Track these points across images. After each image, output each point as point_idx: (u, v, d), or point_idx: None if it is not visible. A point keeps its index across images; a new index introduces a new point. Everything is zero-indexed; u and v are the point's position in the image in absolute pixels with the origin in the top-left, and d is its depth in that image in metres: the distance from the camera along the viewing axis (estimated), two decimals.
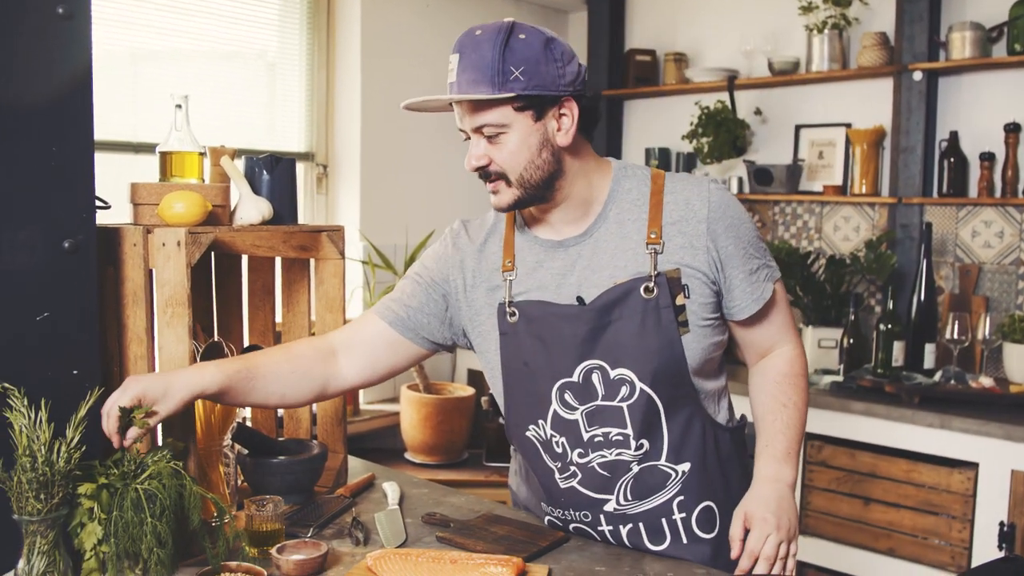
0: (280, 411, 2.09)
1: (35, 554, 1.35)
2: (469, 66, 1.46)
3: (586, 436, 1.57)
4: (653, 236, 1.54)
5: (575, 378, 1.56)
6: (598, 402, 1.56)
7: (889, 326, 3.13)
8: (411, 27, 3.93)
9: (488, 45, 1.46)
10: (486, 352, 1.65)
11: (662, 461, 1.58)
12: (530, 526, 1.71)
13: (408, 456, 3.61)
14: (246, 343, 2.03)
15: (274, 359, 1.61)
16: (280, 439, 1.96)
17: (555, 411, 1.58)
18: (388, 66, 3.84)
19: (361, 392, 3.78)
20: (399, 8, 3.87)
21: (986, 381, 2.97)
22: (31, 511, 1.34)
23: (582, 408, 1.57)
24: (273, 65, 3.67)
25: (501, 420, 3.55)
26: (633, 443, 1.55)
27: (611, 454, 1.57)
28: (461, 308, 1.66)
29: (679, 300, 1.53)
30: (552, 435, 1.60)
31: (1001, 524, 2.73)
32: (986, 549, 2.76)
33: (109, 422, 1.44)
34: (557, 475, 1.62)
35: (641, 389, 1.53)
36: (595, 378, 1.55)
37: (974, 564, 2.79)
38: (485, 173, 1.53)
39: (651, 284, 1.52)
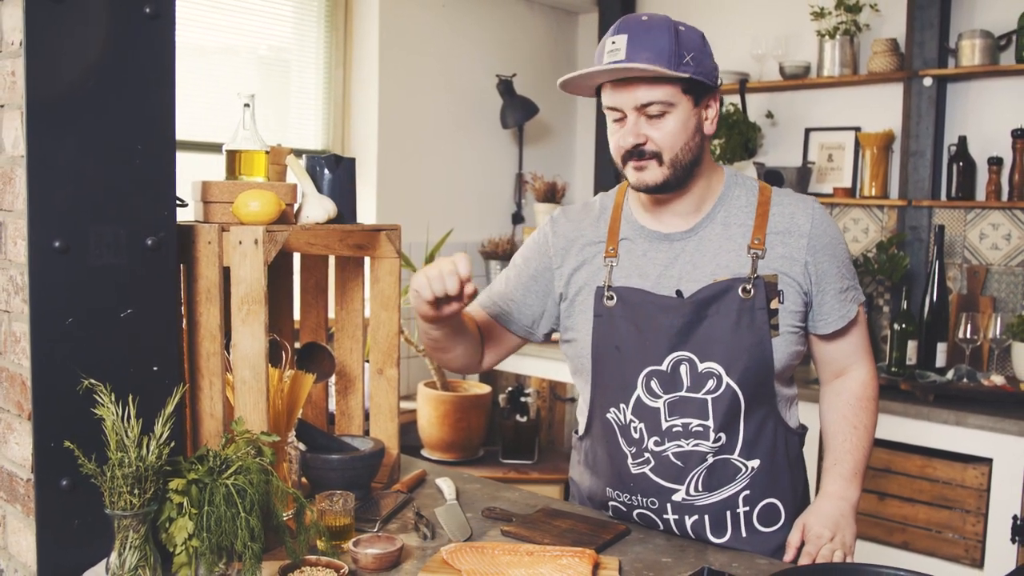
0: (332, 407, 2.11)
1: (127, 548, 1.37)
2: (642, 46, 1.52)
3: (665, 425, 1.63)
4: (757, 242, 1.61)
5: (664, 367, 1.62)
6: (682, 393, 1.61)
7: (903, 325, 3.20)
8: (428, 27, 3.95)
9: (660, 29, 1.54)
10: (577, 332, 1.71)
11: (735, 455, 1.63)
12: (590, 519, 1.75)
13: (425, 453, 3.64)
14: (298, 341, 2.05)
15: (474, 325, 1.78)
16: (335, 435, 1.98)
17: (638, 397, 1.64)
18: (405, 65, 3.87)
19: None
20: (416, 8, 3.89)
21: (997, 379, 3.05)
22: (124, 506, 1.35)
23: (665, 397, 1.62)
24: (289, 62, 3.68)
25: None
26: (712, 435, 1.61)
27: (688, 444, 1.62)
28: (556, 290, 1.76)
29: (773, 304, 1.60)
30: (631, 420, 1.66)
31: (1014, 518, 2.80)
32: (999, 542, 2.84)
33: (449, 281, 1.49)
34: (630, 460, 1.68)
35: (728, 384, 1.59)
36: (683, 369, 1.61)
37: (987, 557, 2.87)
38: (639, 152, 1.58)
39: (749, 286, 1.59)
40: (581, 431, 1.81)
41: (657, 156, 1.57)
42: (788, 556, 1.65)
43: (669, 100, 1.55)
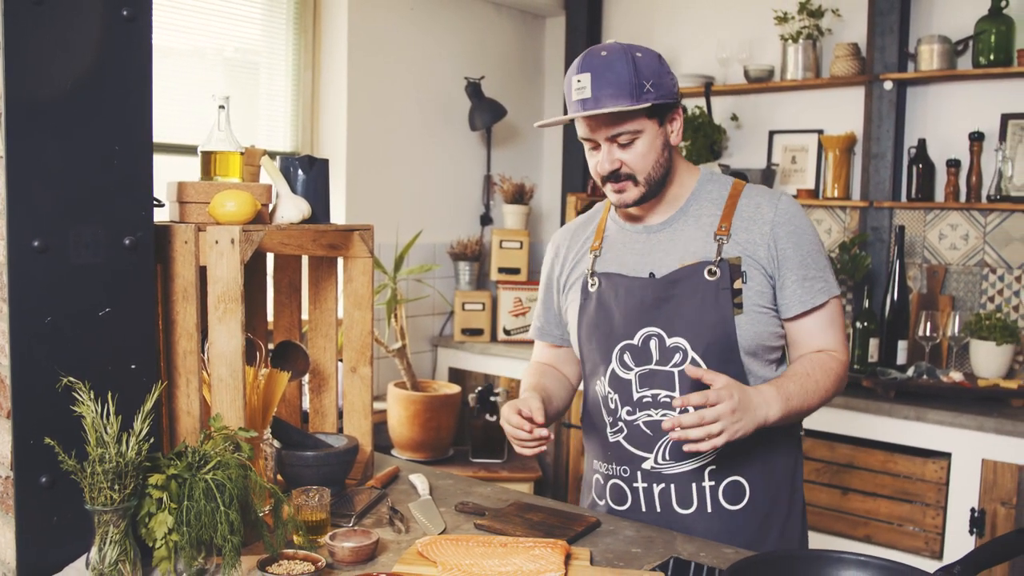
0: (305, 405, 2.13)
1: (107, 543, 1.38)
2: (606, 83, 1.64)
3: (636, 396, 1.74)
4: (723, 228, 1.73)
5: (635, 341, 1.74)
6: (652, 366, 1.73)
7: (865, 324, 3.28)
8: (396, 29, 3.98)
9: (620, 63, 1.64)
10: (570, 318, 1.88)
11: None
12: (562, 513, 1.79)
13: (395, 453, 3.66)
14: (271, 340, 2.07)
15: (553, 385, 1.91)
16: (310, 433, 2.00)
17: (613, 370, 1.77)
18: (374, 67, 3.89)
19: None
20: (385, 11, 3.92)
21: (956, 376, 3.13)
22: (104, 501, 1.37)
23: (637, 369, 1.74)
24: (258, 64, 3.68)
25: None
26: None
27: (657, 414, 1.73)
28: (560, 292, 1.93)
29: (736, 284, 1.70)
30: (608, 391, 1.79)
31: (972, 510, 2.88)
32: (958, 534, 2.92)
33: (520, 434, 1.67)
34: (608, 429, 1.80)
35: (693, 358, 1.70)
36: (652, 344, 1.73)
37: (946, 548, 2.95)
38: (616, 176, 1.71)
39: (715, 267, 1.70)
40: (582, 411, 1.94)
41: (632, 177, 1.72)
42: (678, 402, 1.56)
43: (636, 128, 1.68)
